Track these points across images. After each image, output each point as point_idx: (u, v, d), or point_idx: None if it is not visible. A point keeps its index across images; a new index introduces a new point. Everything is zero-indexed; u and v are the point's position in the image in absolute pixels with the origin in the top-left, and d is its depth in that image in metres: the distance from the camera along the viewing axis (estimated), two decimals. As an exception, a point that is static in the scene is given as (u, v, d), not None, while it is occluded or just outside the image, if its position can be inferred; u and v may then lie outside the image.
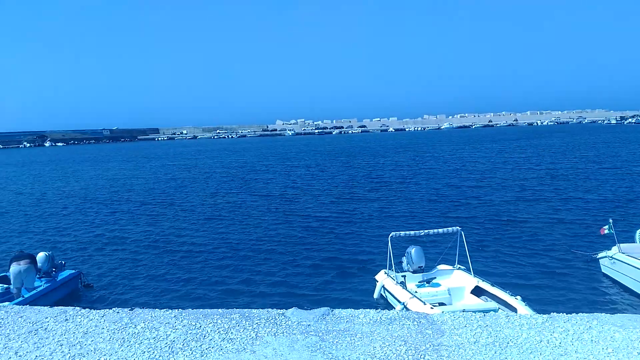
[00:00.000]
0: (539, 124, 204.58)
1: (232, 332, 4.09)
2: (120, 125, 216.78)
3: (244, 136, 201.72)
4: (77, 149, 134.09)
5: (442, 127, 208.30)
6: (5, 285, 10.92)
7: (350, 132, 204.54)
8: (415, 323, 4.31)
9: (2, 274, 11.47)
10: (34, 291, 10.64)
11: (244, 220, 20.53)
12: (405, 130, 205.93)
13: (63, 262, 12.22)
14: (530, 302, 9.15)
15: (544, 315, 4.55)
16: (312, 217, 20.55)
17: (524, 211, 19.82)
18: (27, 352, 3.68)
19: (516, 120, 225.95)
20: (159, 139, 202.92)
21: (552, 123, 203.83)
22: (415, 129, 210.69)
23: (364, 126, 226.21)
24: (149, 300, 11.11)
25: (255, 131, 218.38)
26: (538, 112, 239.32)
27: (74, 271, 12.21)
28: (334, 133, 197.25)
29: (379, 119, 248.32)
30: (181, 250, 15.83)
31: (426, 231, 10.93)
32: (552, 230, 16.40)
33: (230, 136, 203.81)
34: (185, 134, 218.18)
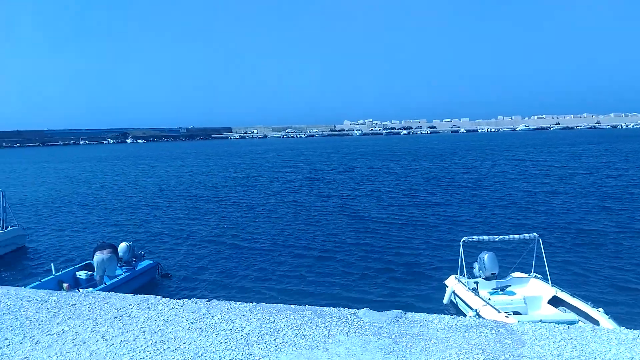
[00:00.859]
0: (624, 126, 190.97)
1: (304, 329, 4.10)
2: (196, 124, 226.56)
3: (312, 136, 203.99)
4: (155, 146, 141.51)
5: (517, 129, 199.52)
6: (90, 272, 11.72)
7: (419, 132, 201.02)
8: (493, 332, 4.13)
9: (86, 262, 12.31)
10: (115, 279, 11.33)
11: (310, 219, 20.74)
12: (477, 131, 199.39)
13: (142, 252, 12.94)
14: (613, 317, 8.53)
15: (635, 331, 4.21)
16: (378, 219, 20.38)
17: (607, 221, 18.55)
18: (112, 336, 3.88)
19: (598, 122, 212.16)
20: (232, 137, 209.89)
21: (638, 126, 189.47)
22: (489, 130, 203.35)
23: (434, 127, 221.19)
24: (221, 292, 11.50)
25: (322, 131, 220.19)
26: (622, 115, 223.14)
27: (152, 261, 12.87)
28: (402, 134, 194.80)
29: (449, 119, 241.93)
30: (251, 246, 16.25)
31: (501, 237, 10.49)
32: (638, 244, 15.24)
33: (298, 136, 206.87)
34: (256, 133, 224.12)
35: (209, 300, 4.70)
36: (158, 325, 4.06)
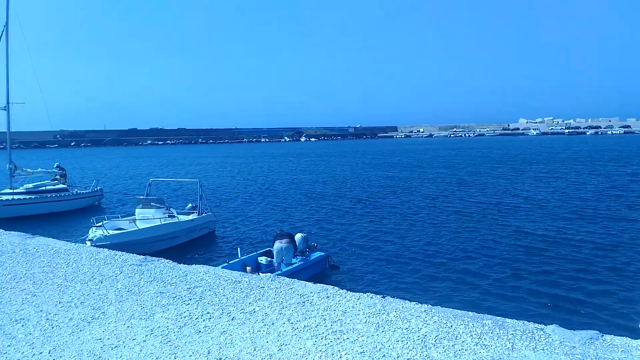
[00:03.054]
0: None
1: (485, 338, 3.88)
2: (363, 124, 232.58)
3: (482, 135, 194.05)
4: (325, 144, 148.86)
5: None
6: (269, 259, 12.78)
7: (609, 132, 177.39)
8: None
9: (267, 249, 13.44)
10: (291, 267, 12.16)
11: (473, 224, 19.71)
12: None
13: (315, 244, 13.70)
14: None
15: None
16: (559, 229, 18.49)
17: None
18: (297, 320, 4.13)
19: None
20: (397, 136, 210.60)
21: None
22: None
23: (628, 126, 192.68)
24: (388, 288, 11.56)
25: (494, 130, 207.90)
26: None
27: (323, 253, 13.53)
28: (588, 133, 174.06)
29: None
30: (418, 246, 16.07)
31: None
32: None
33: (467, 135, 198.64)
34: (422, 132, 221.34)
35: (383, 297, 4.74)
36: (337, 315, 4.22)
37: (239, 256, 12.76)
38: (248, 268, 11.80)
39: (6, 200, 24.04)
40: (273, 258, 12.55)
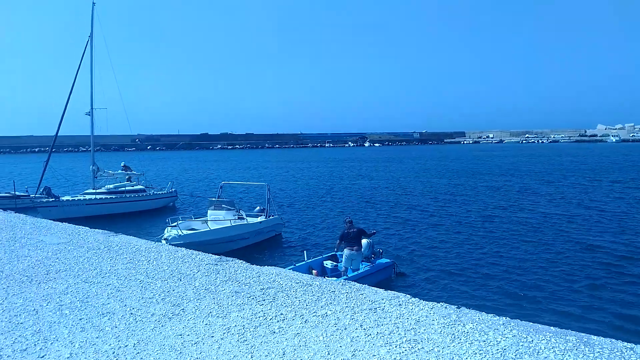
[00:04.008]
0: None
1: (569, 355, 3.67)
2: (429, 129, 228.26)
3: (556, 141, 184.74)
4: (390, 149, 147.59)
5: None
6: (334, 263, 12.84)
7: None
8: None
9: (332, 253, 13.51)
10: (357, 272, 12.14)
11: (546, 235, 18.75)
12: None
13: (381, 250, 13.61)
14: None
15: None
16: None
17: None
18: (369, 327, 4.10)
19: None
20: (464, 142, 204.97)
21: None
22: None
23: None
24: (459, 298, 11.25)
25: (570, 136, 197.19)
26: None
27: (389, 260, 13.41)
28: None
29: None
30: (487, 255, 15.53)
31: None
32: None
33: (540, 141, 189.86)
34: (491, 137, 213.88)
35: (458, 307, 4.60)
36: (411, 324, 4.14)
37: (305, 259, 12.91)
38: (314, 271, 11.91)
39: (89, 199, 25.74)
40: (338, 262, 12.59)
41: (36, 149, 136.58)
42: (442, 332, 3.98)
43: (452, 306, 4.61)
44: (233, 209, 18.51)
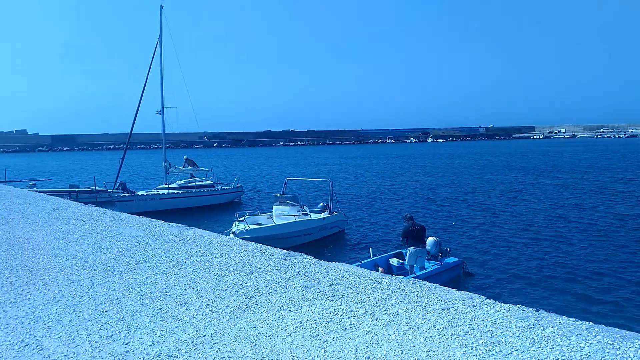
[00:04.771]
0: None
1: (664, 366, 3.41)
2: (496, 123, 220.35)
3: (634, 136, 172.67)
4: (454, 145, 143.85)
5: None
6: (400, 261, 12.68)
7: None
8: None
9: (398, 251, 13.35)
10: (424, 271, 11.93)
11: (622, 236, 17.53)
12: None
13: (448, 249, 13.30)
14: None
15: None
16: None
17: None
18: (443, 327, 4.00)
19: None
20: (534, 137, 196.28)
21: None
22: None
23: None
24: (534, 300, 10.80)
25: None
26: None
27: (457, 259, 13.08)
28: None
29: None
30: (561, 257, 14.78)
31: None
32: None
33: (617, 136, 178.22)
34: (563, 132, 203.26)
35: (537, 310, 4.40)
36: (487, 326, 4.01)
37: (371, 256, 12.86)
38: (380, 269, 11.82)
39: (162, 194, 26.97)
40: (404, 260, 12.42)
41: (111, 146, 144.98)
42: (520, 336, 3.82)
43: (530, 309, 4.41)
44: (297, 205, 18.75)
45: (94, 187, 26.06)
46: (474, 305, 4.47)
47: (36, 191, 16.96)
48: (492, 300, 4.64)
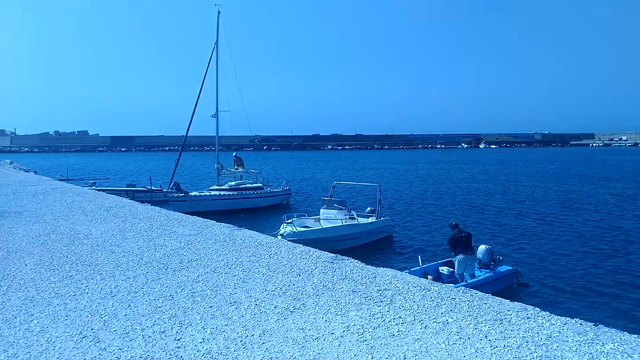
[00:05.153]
0: None
1: None
2: (552, 130, 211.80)
3: None
4: (507, 151, 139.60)
5: None
6: (450, 269, 12.39)
7: None
8: None
9: (448, 259, 13.06)
10: (475, 279, 11.61)
11: None
12: None
13: (501, 257, 12.89)
14: None
15: None
16: None
17: None
18: (495, 338, 3.88)
19: None
20: (593, 144, 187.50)
21: None
22: None
23: None
24: (593, 314, 10.29)
25: None
26: None
27: (511, 268, 12.65)
28: None
29: None
30: (626, 267, 14.03)
31: None
32: None
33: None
34: (625, 140, 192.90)
35: (595, 325, 4.19)
36: (541, 339, 3.85)
37: (420, 264, 12.65)
38: (429, 277, 11.59)
39: (214, 195, 27.65)
40: (454, 268, 12.13)
41: (166, 148, 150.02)
42: (578, 351, 3.65)
43: (589, 323, 4.21)
44: (344, 209, 18.72)
45: (150, 187, 27.04)
46: (528, 317, 4.32)
47: (96, 189, 17.77)
48: (547, 312, 4.46)
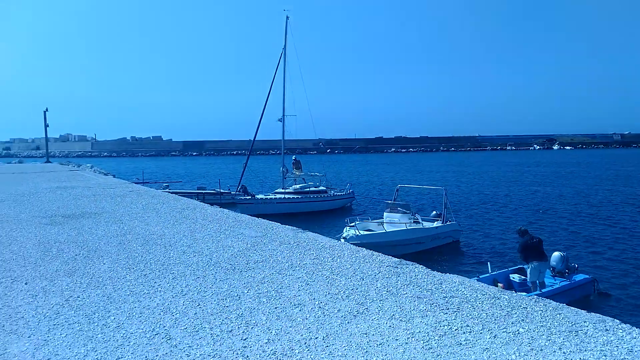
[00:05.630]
0: None
1: None
2: (632, 130, 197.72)
3: None
4: (582, 153, 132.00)
5: None
6: (522, 277, 11.87)
7: None
8: None
9: (519, 266, 12.51)
10: (549, 288, 11.07)
11: None
12: None
13: (576, 265, 12.21)
14: None
15: None
16: None
17: None
18: (570, 351, 3.68)
19: None
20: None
21: None
22: None
23: None
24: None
25: None
26: None
27: (587, 276, 11.96)
28: None
29: None
30: None
31: None
32: None
33: None
34: None
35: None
36: (621, 353, 3.60)
37: (489, 271, 12.23)
38: (499, 285, 11.15)
39: (279, 198, 28.21)
40: (526, 276, 11.61)
41: (234, 152, 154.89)
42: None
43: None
44: (409, 213, 18.46)
45: (219, 190, 28.02)
46: (606, 330, 4.05)
47: (169, 192, 18.64)
48: (628, 325, 4.16)
